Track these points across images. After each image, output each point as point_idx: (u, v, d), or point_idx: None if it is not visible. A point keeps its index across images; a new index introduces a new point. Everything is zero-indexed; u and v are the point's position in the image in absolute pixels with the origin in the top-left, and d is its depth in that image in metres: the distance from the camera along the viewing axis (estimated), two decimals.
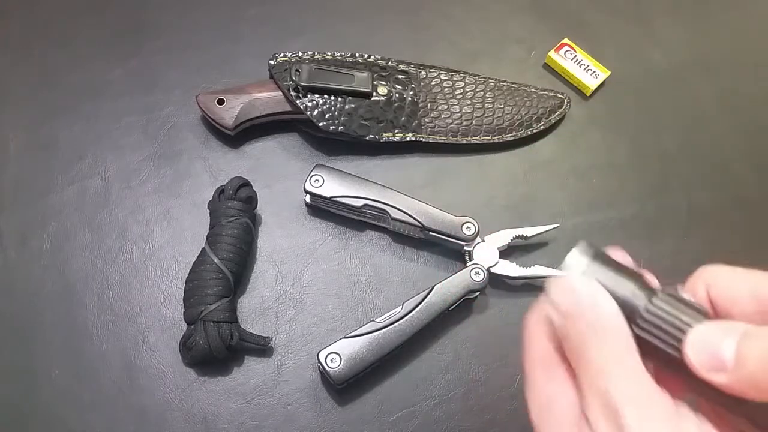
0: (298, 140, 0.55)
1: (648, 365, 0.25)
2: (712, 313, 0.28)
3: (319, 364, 0.45)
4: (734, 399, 0.24)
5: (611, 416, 0.24)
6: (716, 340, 0.24)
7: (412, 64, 0.56)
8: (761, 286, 0.27)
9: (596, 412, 0.25)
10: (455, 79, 0.56)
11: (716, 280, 0.28)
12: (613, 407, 0.24)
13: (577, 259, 0.28)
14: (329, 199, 0.50)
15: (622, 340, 0.26)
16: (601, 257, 0.28)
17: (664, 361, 0.26)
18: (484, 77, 0.57)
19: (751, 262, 0.28)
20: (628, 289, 0.27)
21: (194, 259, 0.48)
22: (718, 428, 0.25)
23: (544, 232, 0.51)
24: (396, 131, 0.54)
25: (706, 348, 0.24)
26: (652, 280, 0.28)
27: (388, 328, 0.46)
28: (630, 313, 0.26)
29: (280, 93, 0.53)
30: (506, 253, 0.51)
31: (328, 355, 0.45)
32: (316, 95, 0.52)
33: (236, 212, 0.48)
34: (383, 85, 0.54)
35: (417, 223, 0.49)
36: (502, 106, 0.56)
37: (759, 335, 0.23)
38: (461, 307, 0.49)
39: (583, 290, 0.27)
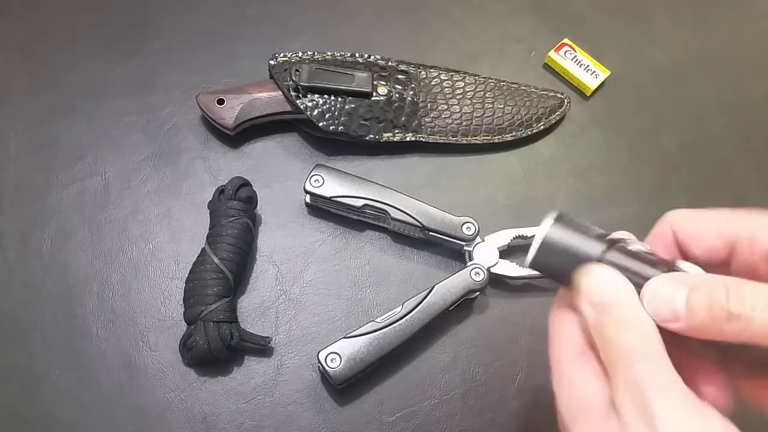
0: (298, 140, 0.55)
1: None
2: (679, 255, 0.30)
3: (319, 364, 0.45)
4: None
5: (641, 405, 0.25)
6: (669, 294, 0.27)
7: (412, 64, 0.56)
8: (726, 224, 0.29)
9: (626, 401, 0.26)
10: (455, 79, 0.56)
11: (682, 222, 0.31)
12: (643, 396, 0.25)
13: (546, 222, 0.30)
14: (329, 199, 0.50)
15: (651, 333, 0.27)
16: (566, 220, 0.30)
17: None
18: (484, 77, 0.57)
19: None
20: (587, 244, 0.29)
21: (194, 259, 0.48)
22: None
23: None
24: (396, 131, 0.54)
25: (661, 301, 0.27)
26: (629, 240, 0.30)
27: (388, 328, 0.46)
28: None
29: (280, 93, 0.53)
30: (506, 253, 0.51)
31: (328, 355, 0.45)
32: (316, 95, 0.52)
33: (236, 212, 0.48)
34: (383, 85, 0.54)
35: (417, 223, 0.49)
36: (502, 106, 0.56)
37: (704, 288, 0.27)
38: (461, 307, 0.49)
39: (613, 282, 0.28)
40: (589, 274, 0.29)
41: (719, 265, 0.30)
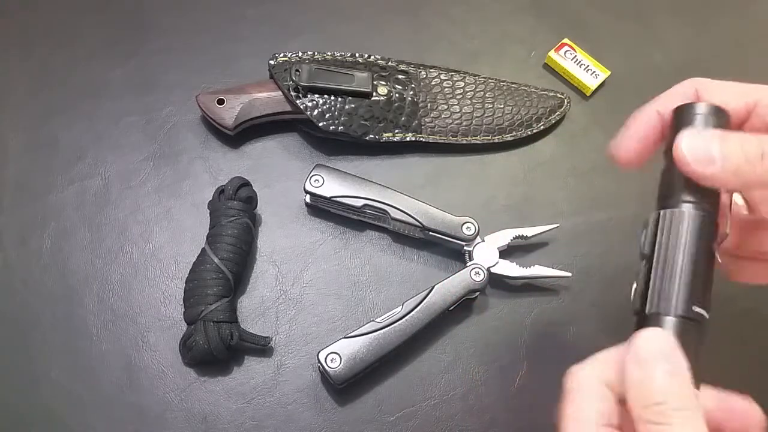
0: (298, 140, 0.55)
1: None
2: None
3: (319, 364, 0.45)
4: None
5: None
6: (705, 140, 0.29)
7: (412, 64, 0.56)
8: (748, 89, 0.31)
9: None
10: (455, 79, 0.56)
11: (705, 83, 0.33)
12: None
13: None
14: (329, 199, 0.50)
15: (696, 407, 0.26)
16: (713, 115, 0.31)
17: None
18: (484, 77, 0.57)
19: None
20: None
21: (194, 259, 0.48)
22: None
23: (544, 232, 0.51)
24: (396, 131, 0.54)
25: (698, 145, 0.29)
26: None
27: (388, 328, 0.46)
28: None
29: (280, 93, 0.53)
30: (506, 253, 0.51)
31: (328, 355, 0.45)
32: (316, 95, 0.52)
33: (236, 212, 0.48)
34: (383, 85, 0.54)
35: (417, 223, 0.49)
36: (502, 106, 0.56)
37: (738, 138, 0.29)
38: (461, 307, 0.49)
39: (670, 346, 0.27)
40: (646, 337, 0.28)
41: (734, 126, 0.32)
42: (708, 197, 0.30)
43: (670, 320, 0.29)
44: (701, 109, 0.31)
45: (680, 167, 0.30)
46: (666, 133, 0.33)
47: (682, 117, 0.32)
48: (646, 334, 0.28)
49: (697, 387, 0.28)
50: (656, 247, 0.30)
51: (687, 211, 0.30)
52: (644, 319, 0.30)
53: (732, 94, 0.32)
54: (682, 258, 0.30)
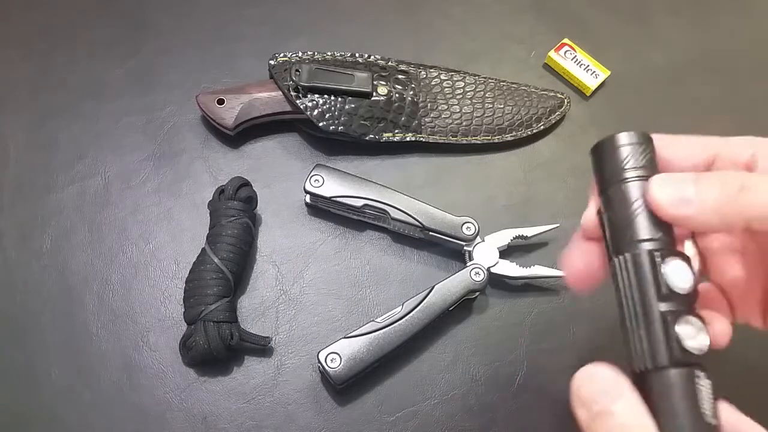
0: (298, 140, 0.55)
1: None
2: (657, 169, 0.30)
3: (319, 364, 0.45)
4: None
5: None
6: (680, 180, 0.28)
7: (412, 64, 0.56)
8: (708, 141, 0.31)
9: None
10: (455, 79, 0.56)
11: (666, 140, 0.32)
12: None
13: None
14: (329, 199, 0.50)
15: None
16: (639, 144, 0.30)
17: None
18: (484, 77, 0.57)
19: None
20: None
21: (194, 259, 0.48)
22: None
23: (544, 232, 0.51)
24: (396, 131, 0.54)
25: (671, 186, 0.28)
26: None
27: (388, 328, 0.46)
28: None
29: (280, 93, 0.53)
30: (506, 253, 0.51)
31: (328, 355, 0.45)
32: (316, 95, 0.52)
33: (236, 212, 0.48)
34: (383, 85, 0.54)
35: (417, 223, 0.49)
36: (502, 106, 0.56)
37: (714, 175, 0.28)
38: (461, 307, 0.49)
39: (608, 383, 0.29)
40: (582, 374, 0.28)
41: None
42: (665, 233, 0.28)
43: (665, 374, 0.26)
44: (626, 139, 0.30)
45: (655, 212, 0.28)
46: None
47: (605, 153, 0.30)
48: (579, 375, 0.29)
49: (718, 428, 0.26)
50: (623, 297, 0.28)
51: (645, 251, 0.28)
52: (642, 377, 0.27)
53: (691, 148, 0.31)
54: (654, 302, 0.27)
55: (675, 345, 0.26)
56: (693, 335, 0.27)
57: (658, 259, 0.28)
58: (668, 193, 0.28)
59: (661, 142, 0.31)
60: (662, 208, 0.28)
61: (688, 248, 0.34)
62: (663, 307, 0.27)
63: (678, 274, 0.27)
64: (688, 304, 0.27)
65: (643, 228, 0.28)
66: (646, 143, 0.30)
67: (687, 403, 0.26)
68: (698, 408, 0.25)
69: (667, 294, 0.27)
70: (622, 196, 0.29)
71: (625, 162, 0.30)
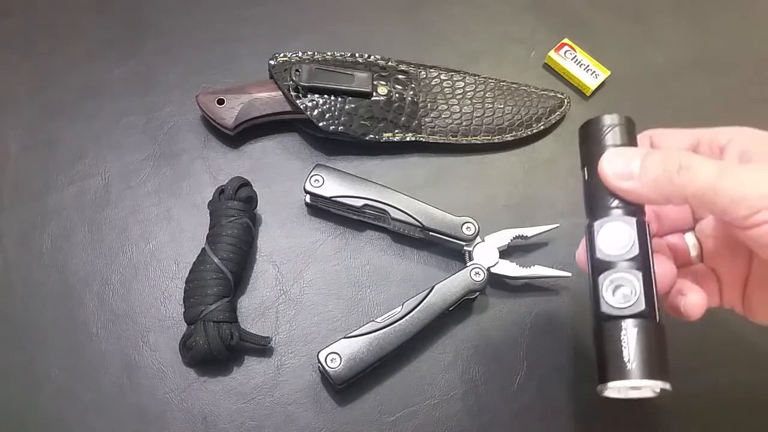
0: (298, 140, 0.55)
1: None
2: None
3: (319, 364, 0.45)
4: None
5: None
6: (626, 156, 0.32)
7: (412, 64, 0.56)
8: (693, 131, 0.35)
9: None
10: (455, 79, 0.56)
11: (659, 132, 0.36)
12: None
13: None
14: (329, 199, 0.50)
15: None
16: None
17: None
18: (484, 77, 0.57)
19: None
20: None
21: (194, 259, 0.48)
22: None
23: (544, 232, 0.51)
24: (396, 131, 0.54)
25: (618, 161, 0.32)
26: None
27: (388, 328, 0.46)
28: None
29: (280, 93, 0.53)
30: (506, 253, 0.51)
31: (328, 355, 0.45)
32: (316, 95, 0.52)
33: (236, 212, 0.48)
34: (383, 85, 0.54)
35: (417, 223, 0.49)
36: (502, 106, 0.56)
37: (658, 153, 0.32)
38: (461, 307, 0.49)
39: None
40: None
41: None
42: (622, 203, 0.33)
43: (632, 320, 0.31)
44: (609, 120, 0.34)
45: (603, 183, 0.32)
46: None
47: (590, 131, 0.35)
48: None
49: (666, 379, 0.31)
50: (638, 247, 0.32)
51: (616, 216, 0.32)
52: (602, 322, 0.32)
53: (680, 136, 0.35)
54: (646, 255, 0.32)
55: (602, 301, 0.32)
56: (614, 291, 0.32)
57: (594, 229, 0.33)
58: (615, 167, 0.32)
59: (657, 132, 0.35)
60: (609, 181, 0.32)
61: (689, 237, 0.38)
62: (597, 268, 0.33)
63: (607, 243, 0.32)
64: (621, 265, 0.32)
65: (600, 198, 0.33)
66: (626, 125, 0.34)
67: (614, 351, 0.31)
68: (621, 359, 0.31)
69: (600, 258, 0.32)
70: (592, 170, 0.33)
71: (603, 140, 0.34)
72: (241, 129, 0.54)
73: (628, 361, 0.30)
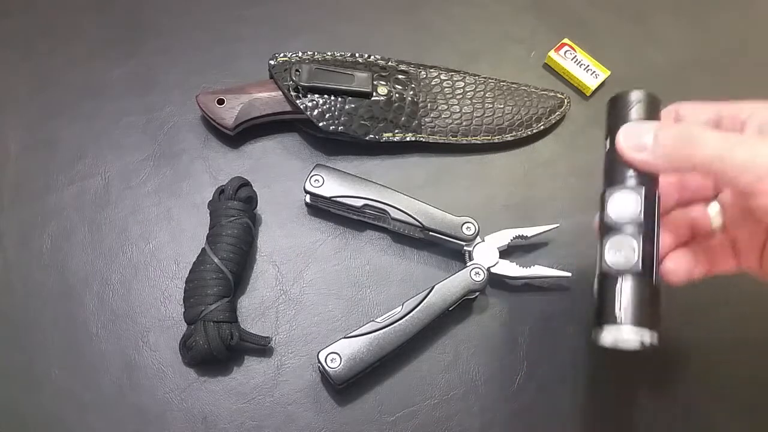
0: (298, 140, 0.55)
1: None
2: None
3: (319, 364, 0.45)
4: None
5: None
6: (640, 130, 0.35)
7: (412, 64, 0.56)
8: (717, 105, 0.37)
9: None
10: (455, 79, 0.56)
11: (684, 105, 0.38)
12: None
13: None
14: (329, 199, 0.50)
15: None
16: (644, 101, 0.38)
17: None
18: (484, 77, 0.57)
19: None
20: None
21: (194, 259, 0.48)
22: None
23: (544, 232, 0.51)
24: (396, 131, 0.54)
25: (633, 134, 0.36)
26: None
27: (388, 328, 0.46)
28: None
29: (280, 93, 0.53)
30: (506, 253, 0.51)
31: (328, 355, 0.45)
32: (316, 95, 0.52)
33: (236, 212, 0.48)
34: (383, 85, 0.54)
35: (417, 223, 0.49)
36: (502, 106, 0.56)
37: (672, 126, 0.35)
38: (461, 307, 0.49)
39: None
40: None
41: None
42: (647, 174, 0.36)
43: (628, 277, 0.35)
44: (634, 96, 0.37)
45: (619, 153, 0.36)
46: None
47: (615, 105, 0.38)
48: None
49: (654, 330, 0.35)
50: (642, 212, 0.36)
51: (628, 185, 0.36)
52: (603, 278, 0.36)
53: (705, 108, 0.37)
54: (650, 220, 0.36)
55: (604, 260, 0.36)
56: (615, 252, 0.36)
57: (606, 195, 0.37)
58: (630, 139, 0.36)
59: (683, 106, 0.38)
60: (624, 153, 0.36)
61: (714, 206, 0.40)
62: (604, 231, 0.37)
63: (615, 209, 0.36)
64: (626, 229, 0.36)
65: (617, 167, 0.37)
66: (651, 101, 0.37)
67: (609, 301, 0.36)
68: (613, 308, 0.35)
69: (608, 222, 0.37)
70: (612, 141, 0.37)
71: (626, 114, 0.37)
72: (241, 129, 0.54)
73: (620, 309, 0.35)
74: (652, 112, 0.37)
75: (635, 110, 0.37)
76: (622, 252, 0.36)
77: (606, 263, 0.36)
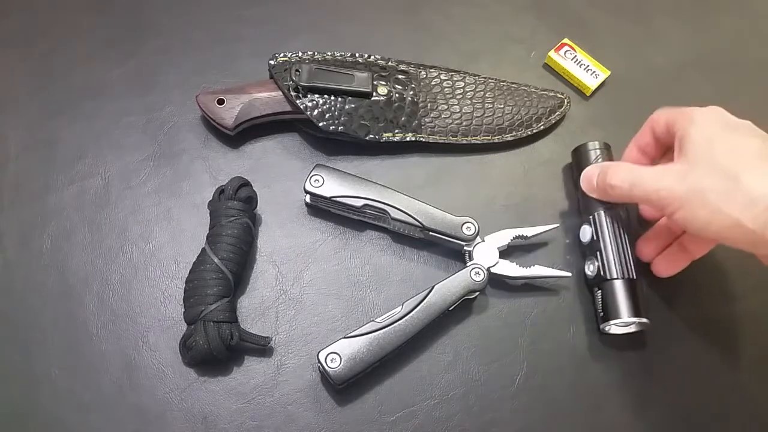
0: (298, 140, 0.55)
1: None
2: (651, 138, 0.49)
3: (319, 364, 0.45)
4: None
5: None
6: (591, 173, 0.49)
7: (412, 64, 0.56)
8: (672, 114, 0.45)
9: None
10: (455, 79, 0.56)
11: (656, 116, 0.47)
12: None
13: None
14: (329, 199, 0.50)
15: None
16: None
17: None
18: (484, 77, 0.57)
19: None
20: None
21: (194, 259, 0.48)
22: None
23: (544, 232, 0.51)
24: (396, 131, 0.54)
25: (587, 178, 0.50)
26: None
27: (388, 328, 0.46)
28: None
29: (280, 93, 0.53)
30: (506, 253, 0.51)
31: (328, 355, 0.45)
32: (316, 95, 0.52)
33: (236, 212, 0.48)
34: (383, 85, 0.54)
35: (417, 223, 0.49)
36: (502, 106, 0.56)
37: (597, 166, 0.49)
38: (461, 307, 0.49)
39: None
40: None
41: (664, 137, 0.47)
42: (601, 204, 0.50)
43: (618, 282, 0.48)
44: (590, 146, 0.52)
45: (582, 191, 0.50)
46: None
47: (578, 154, 0.53)
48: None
49: (641, 316, 0.47)
50: (596, 236, 0.50)
51: (603, 212, 0.50)
52: (602, 282, 0.49)
53: (660, 119, 0.47)
54: (611, 239, 0.49)
55: (585, 274, 0.51)
56: (589, 265, 0.50)
57: (583, 225, 0.51)
58: (585, 182, 0.50)
59: (657, 113, 0.47)
60: (585, 190, 0.50)
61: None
62: (583, 251, 0.52)
63: (583, 235, 0.51)
64: (592, 248, 0.50)
65: (586, 202, 0.51)
66: (606, 149, 0.53)
67: (596, 305, 0.49)
68: (597, 310, 0.49)
69: (581, 243, 0.52)
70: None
71: (588, 160, 0.52)
72: (241, 129, 0.54)
73: (600, 311, 0.49)
74: (607, 155, 0.52)
75: (592, 156, 0.52)
76: (594, 266, 0.49)
77: (585, 277, 0.51)
